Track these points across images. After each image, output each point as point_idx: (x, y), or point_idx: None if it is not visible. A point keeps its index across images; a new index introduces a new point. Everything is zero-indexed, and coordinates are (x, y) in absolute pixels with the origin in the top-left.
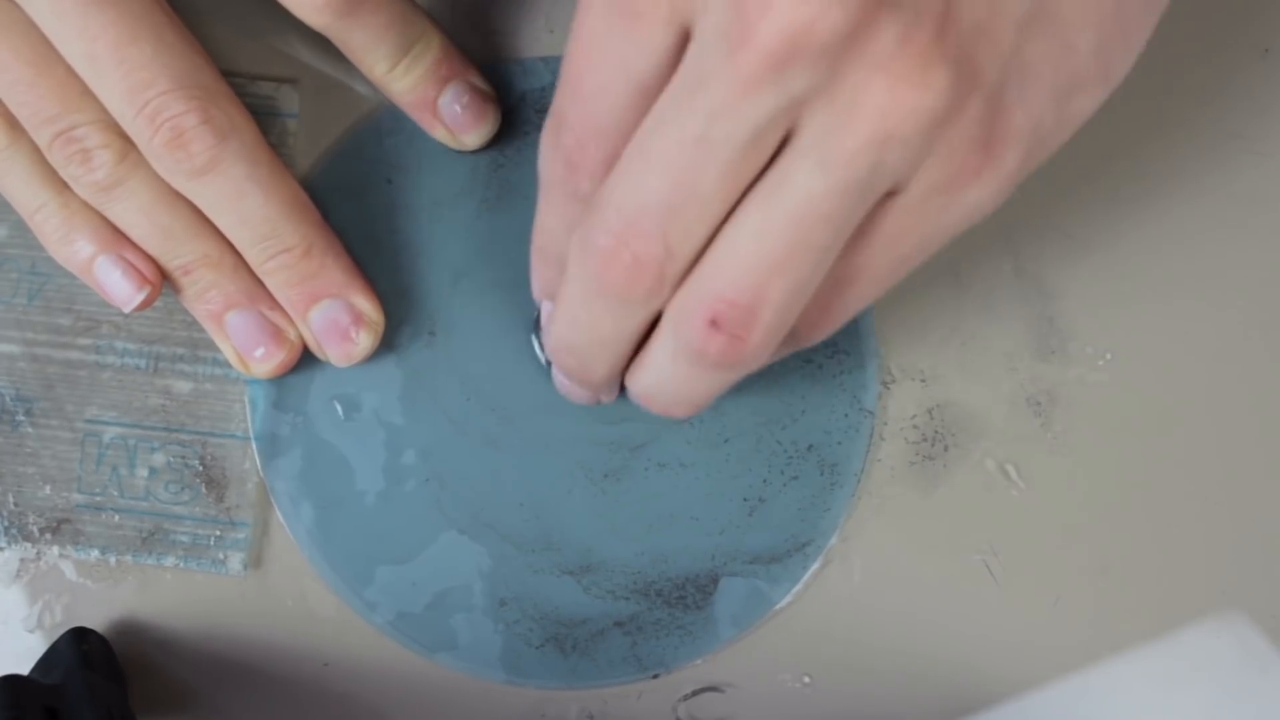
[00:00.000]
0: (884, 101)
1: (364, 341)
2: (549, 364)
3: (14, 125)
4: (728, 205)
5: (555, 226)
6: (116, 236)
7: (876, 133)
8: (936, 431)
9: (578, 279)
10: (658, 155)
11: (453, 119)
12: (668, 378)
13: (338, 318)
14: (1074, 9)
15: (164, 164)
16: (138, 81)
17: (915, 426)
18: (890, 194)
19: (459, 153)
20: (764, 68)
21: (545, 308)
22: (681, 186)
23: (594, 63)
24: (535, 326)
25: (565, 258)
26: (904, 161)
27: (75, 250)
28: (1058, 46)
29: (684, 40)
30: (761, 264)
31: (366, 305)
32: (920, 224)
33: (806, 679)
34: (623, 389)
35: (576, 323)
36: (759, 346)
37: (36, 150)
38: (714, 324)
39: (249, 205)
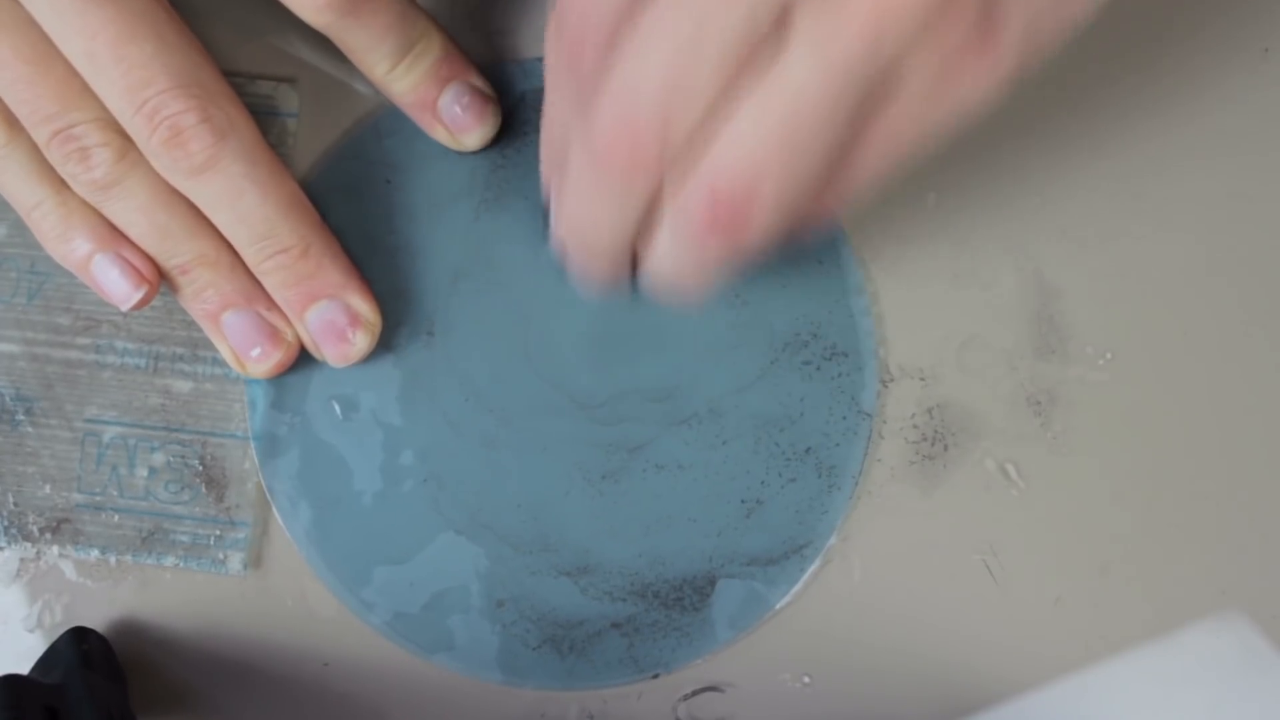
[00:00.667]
0: None
1: (361, 342)
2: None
3: (13, 123)
4: (724, 86)
5: (560, 111)
6: (114, 235)
7: (871, 18)
8: (936, 431)
9: (580, 158)
10: (653, 46)
11: (453, 120)
12: (672, 259)
13: (335, 318)
14: None
15: (162, 162)
16: (137, 80)
17: (915, 426)
18: (887, 87)
19: (458, 153)
20: None
21: (553, 195)
22: (679, 69)
23: None
24: (545, 216)
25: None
26: (899, 47)
27: (73, 248)
28: None
29: None
30: (759, 147)
31: (364, 306)
32: (917, 115)
33: (806, 679)
34: (634, 278)
35: (580, 210)
36: (758, 225)
37: (35, 148)
38: (713, 202)
39: (247, 204)
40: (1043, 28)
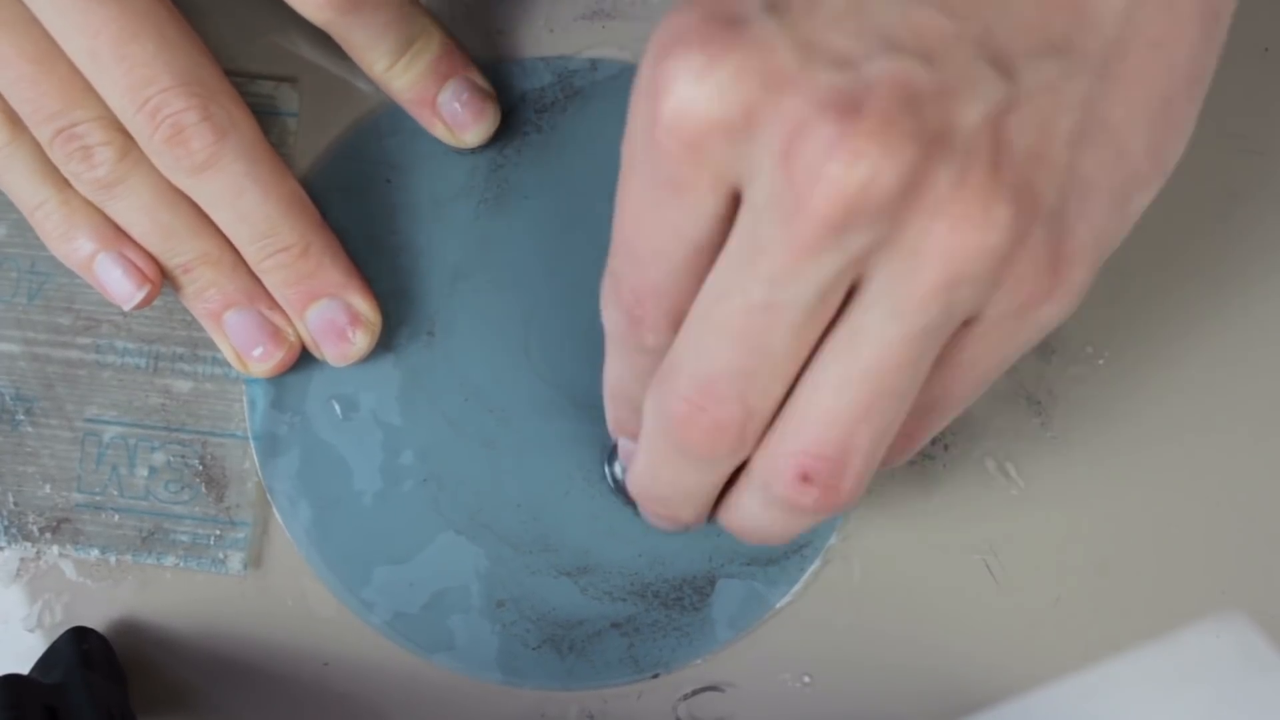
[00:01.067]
0: (948, 245)
1: (360, 342)
2: (620, 489)
3: (15, 122)
4: (801, 360)
5: (623, 375)
6: (117, 234)
7: (944, 276)
8: None
9: (657, 438)
10: (724, 323)
11: (452, 116)
12: (760, 522)
13: (335, 318)
14: (1123, 113)
15: (164, 160)
16: (139, 78)
17: None
18: (966, 324)
19: (458, 153)
20: (823, 233)
21: (622, 443)
22: (753, 352)
23: (645, 229)
24: (610, 456)
25: (636, 400)
26: (974, 298)
27: (76, 248)
28: (1111, 154)
29: (734, 200)
30: (845, 416)
31: (364, 305)
32: (997, 347)
33: (806, 678)
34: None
35: (659, 476)
36: (852, 492)
37: (38, 147)
38: (805, 479)
39: (248, 202)
40: (1108, 237)
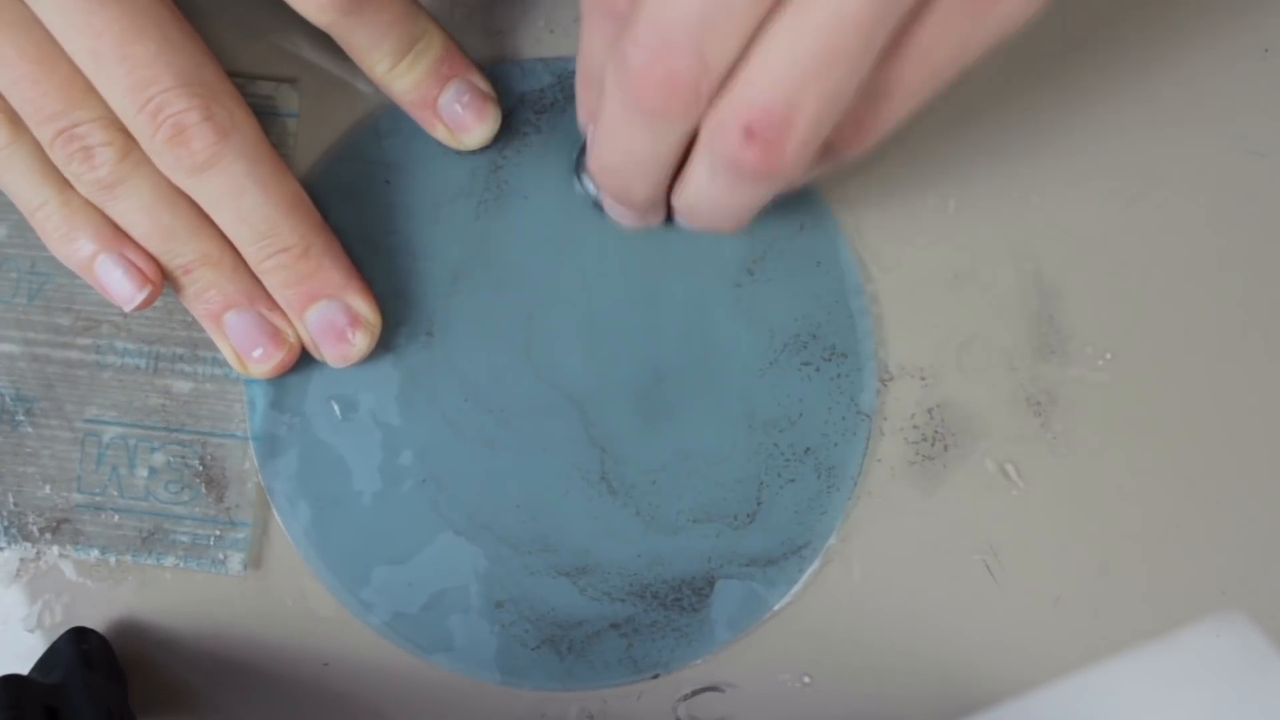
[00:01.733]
0: None
1: (360, 343)
2: (594, 199)
3: (16, 122)
4: (759, 17)
5: (595, 48)
6: (118, 235)
7: None
8: (936, 431)
9: (615, 98)
10: None
11: (453, 118)
12: (708, 193)
13: (334, 318)
14: None
15: (165, 160)
16: (141, 78)
17: (915, 426)
18: (925, 5)
19: (458, 154)
20: None
21: (589, 134)
22: (713, 2)
23: None
24: (578, 164)
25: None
26: None
27: (77, 248)
28: None
29: None
30: (794, 72)
31: (363, 306)
32: (952, 35)
33: (806, 679)
34: (670, 214)
35: (616, 142)
36: (795, 155)
37: (39, 148)
38: (749, 133)
39: (248, 202)
40: None
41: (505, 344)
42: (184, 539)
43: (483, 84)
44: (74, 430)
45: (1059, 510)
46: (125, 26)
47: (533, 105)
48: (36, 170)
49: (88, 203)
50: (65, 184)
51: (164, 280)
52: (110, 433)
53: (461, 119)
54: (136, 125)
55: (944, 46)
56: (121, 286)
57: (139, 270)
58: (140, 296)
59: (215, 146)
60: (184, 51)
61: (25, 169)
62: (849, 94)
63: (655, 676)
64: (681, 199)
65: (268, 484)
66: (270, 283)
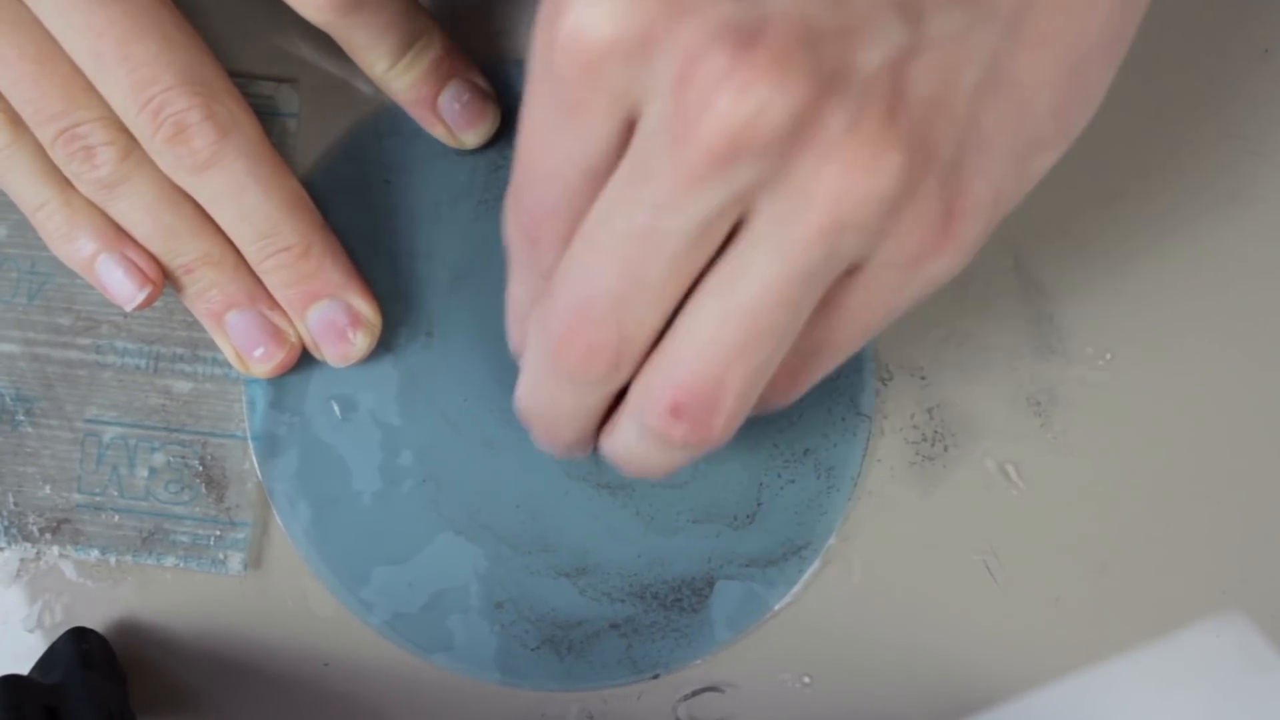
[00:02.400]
0: (836, 188)
1: (361, 342)
2: None
3: (17, 122)
4: (681, 291)
5: (522, 296)
6: (119, 235)
7: (830, 220)
8: (936, 431)
9: (538, 357)
10: (605, 246)
11: (452, 117)
12: (638, 450)
13: (335, 318)
14: (1030, 71)
15: (166, 159)
16: (141, 78)
17: (915, 426)
18: (851, 270)
19: (457, 154)
20: (708, 164)
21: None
22: (631, 277)
23: (542, 149)
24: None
25: None
26: (860, 245)
27: (77, 248)
28: (1014, 112)
29: (631, 126)
30: (721, 351)
31: (364, 306)
32: (882, 297)
33: (806, 679)
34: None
35: (539, 395)
36: (724, 427)
37: (39, 147)
38: (676, 410)
39: (249, 201)
40: (1005, 195)
41: (505, 344)
42: (184, 539)
43: (482, 83)
44: (74, 430)
45: (1059, 510)
46: (126, 26)
47: None
48: (37, 170)
49: (89, 202)
50: (66, 184)
51: (165, 280)
52: (110, 433)
53: (461, 118)
54: (137, 125)
55: (873, 308)
56: (122, 286)
57: (140, 270)
58: (141, 296)
59: (216, 145)
60: (185, 51)
61: (26, 169)
62: (775, 363)
63: (655, 677)
64: (610, 449)
65: (268, 484)
66: (271, 282)
